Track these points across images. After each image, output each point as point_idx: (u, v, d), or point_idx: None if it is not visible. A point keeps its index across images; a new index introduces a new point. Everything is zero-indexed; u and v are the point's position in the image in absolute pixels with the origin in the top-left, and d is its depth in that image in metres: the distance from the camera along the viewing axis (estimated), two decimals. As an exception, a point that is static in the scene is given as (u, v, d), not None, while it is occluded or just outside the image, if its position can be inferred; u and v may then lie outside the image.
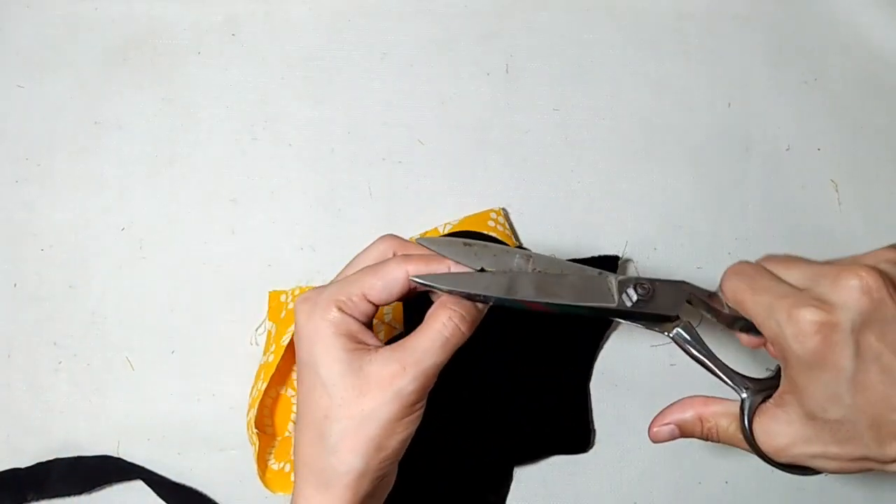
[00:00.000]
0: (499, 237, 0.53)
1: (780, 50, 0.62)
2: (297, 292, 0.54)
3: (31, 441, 0.53)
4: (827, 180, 0.60)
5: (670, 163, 0.59)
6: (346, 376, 0.35)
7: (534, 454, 0.54)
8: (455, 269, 0.36)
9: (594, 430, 0.55)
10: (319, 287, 0.37)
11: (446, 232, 0.54)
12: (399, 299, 0.37)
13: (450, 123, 0.59)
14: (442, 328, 0.35)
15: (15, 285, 0.56)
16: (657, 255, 0.58)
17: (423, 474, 0.47)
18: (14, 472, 0.52)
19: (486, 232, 0.53)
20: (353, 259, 0.38)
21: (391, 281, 0.36)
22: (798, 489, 0.54)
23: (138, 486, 0.52)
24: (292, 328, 0.44)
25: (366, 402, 0.34)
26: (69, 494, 0.52)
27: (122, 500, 0.52)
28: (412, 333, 0.36)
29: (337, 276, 0.38)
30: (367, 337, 0.36)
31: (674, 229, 0.58)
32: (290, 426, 0.52)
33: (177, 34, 0.60)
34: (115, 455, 0.53)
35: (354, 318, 0.36)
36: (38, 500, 0.51)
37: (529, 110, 0.59)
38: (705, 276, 0.57)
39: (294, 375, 0.53)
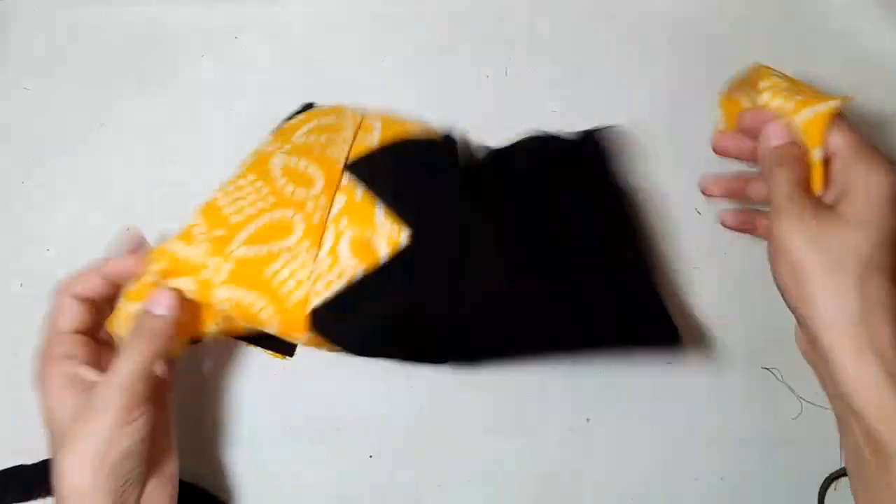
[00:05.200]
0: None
1: (776, 54, 0.62)
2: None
3: (37, 438, 0.53)
4: (821, 182, 0.60)
5: (668, 166, 0.60)
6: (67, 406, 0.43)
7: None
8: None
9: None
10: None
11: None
12: (91, 322, 0.45)
13: (449, 125, 0.60)
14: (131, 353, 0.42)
15: (21, 285, 0.56)
16: (654, 256, 0.58)
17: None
18: (20, 469, 0.52)
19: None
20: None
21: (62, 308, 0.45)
22: (797, 485, 0.54)
23: (143, 482, 0.52)
24: None
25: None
26: (75, 491, 0.52)
27: (127, 497, 0.53)
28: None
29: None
30: (90, 374, 0.43)
31: (672, 230, 0.59)
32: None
33: (180, 37, 0.61)
34: (120, 452, 0.53)
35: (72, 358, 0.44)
36: (44, 496, 0.52)
37: (528, 113, 0.60)
38: (702, 276, 0.57)
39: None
